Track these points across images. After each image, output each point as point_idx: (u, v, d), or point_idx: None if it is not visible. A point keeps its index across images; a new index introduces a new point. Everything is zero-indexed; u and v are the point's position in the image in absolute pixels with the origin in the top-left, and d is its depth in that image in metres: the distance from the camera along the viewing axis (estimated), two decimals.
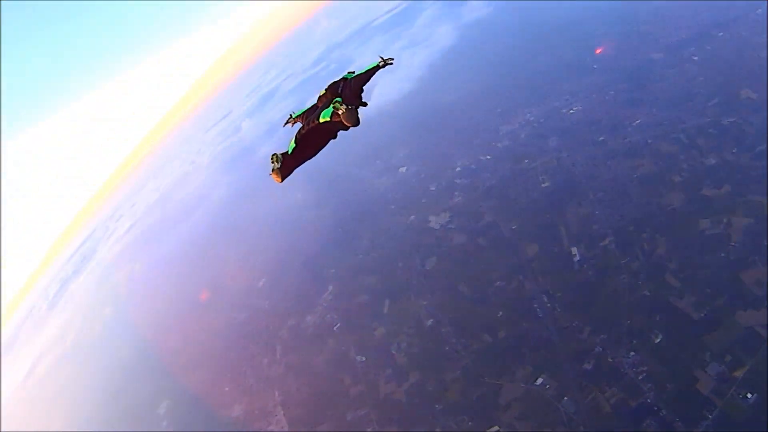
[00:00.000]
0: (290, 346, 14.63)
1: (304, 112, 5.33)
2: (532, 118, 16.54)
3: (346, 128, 5.05)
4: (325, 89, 5.46)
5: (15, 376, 37.74)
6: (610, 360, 9.94)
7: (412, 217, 15.47)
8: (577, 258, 11.65)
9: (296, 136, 5.06)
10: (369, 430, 11.01)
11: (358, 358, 12.73)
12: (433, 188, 16.04)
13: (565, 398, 9.57)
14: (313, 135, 5.04)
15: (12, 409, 32.23)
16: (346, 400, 11.91)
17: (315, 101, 5.28)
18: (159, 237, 29.18)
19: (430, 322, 12.15)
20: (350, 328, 13.57)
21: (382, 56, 5.51)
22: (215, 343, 16.59)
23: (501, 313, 11.26)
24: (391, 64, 5.63)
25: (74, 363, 25.59)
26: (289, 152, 5.08)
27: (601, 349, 10.18)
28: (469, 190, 15.10)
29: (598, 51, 18.93)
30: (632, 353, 10.14)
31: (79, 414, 20.76)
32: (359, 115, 5.12)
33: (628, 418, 9.46)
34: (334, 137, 5.25)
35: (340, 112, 4.70)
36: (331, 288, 14.78)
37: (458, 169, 16.11)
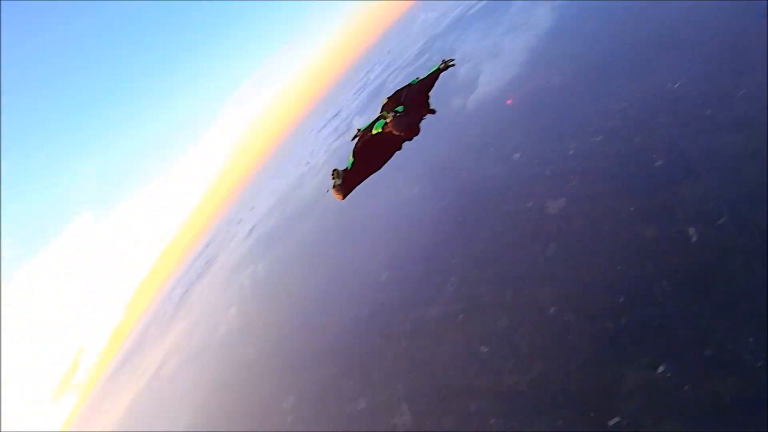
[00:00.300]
0: (414, 339, 15.42)
1: (369, 125, 5.40)
2: (638, 95, 16.28)
3: (409, 138, 5.24)
4: (388, 98, 5.67)
5: (140, 378, 41.23)
6: (731, 347, 9.76)
7: (530, 203, 15.73)
8: (695, 239, 11.43)
9: (354, 150, 5.28)
10: (492, 421, 11.30)
11: (482, 348, 13.11)
12: (548, 173, 16.22)
13: (686, 387, 9.53)
14: (370, 148, 5.22)
15: (138, 409, 35.43)
16: (469, 391, 12.54)
17: (380, 111, 5.36)
18: (280, 238, 31.09)
19: (552, 310, 12.42)
20: (473, 319, 14.10)
21: (443, 59, 5.93)
22: (339, 339, 17.87)
23: (622, 298, 11.26)
24: (453, 65, 6.01)
25: (200, 364, 27.77)
26: (349, 167, 5.39)
27: (721, 335, 10.04)
28: (584, 173, 15.14)
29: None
30: (750, 339, 9.92)
31: (205, 412, 22.94)
32: (415, 124, 5.54)
33: (748, 408, 9.30)
34: (398, 148, 5.45)
35: (388, 121, 4.85)
36: (452, 279, 15.44)
37: (571, 152, 16.17)
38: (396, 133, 4.92)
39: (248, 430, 19.61)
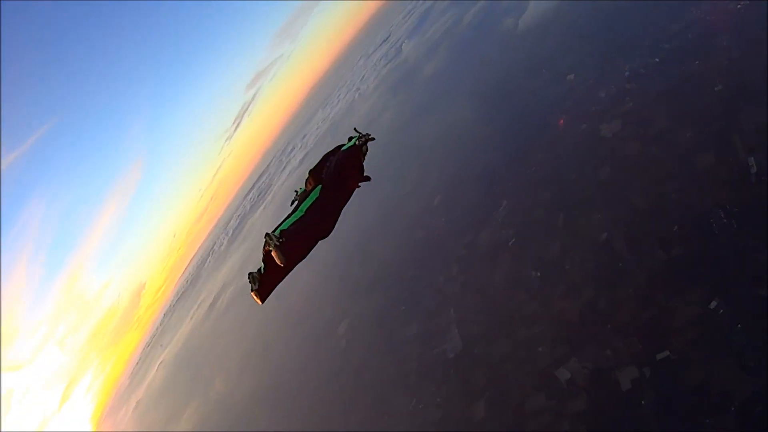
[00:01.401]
0: (466, 264, 15.78)
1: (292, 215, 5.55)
2: (700, 14, 15.47)
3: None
4: (309, 172, 5.74)
5: (199, 310, 42.51)
6: None
7: (584, 125, 15.52)
8: (755, 170, 11.05)
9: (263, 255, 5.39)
10: (540, 349, 11.56)
11: (533, 273, 13.33)
12: (603, 95, 15.94)
13: (738, 325, 9.29)
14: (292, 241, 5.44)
15: (196, 341, 36.80)
16: (519, 317, 12.93)
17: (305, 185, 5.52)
18: None
19: (604, 236, 12.53)
20: (525, 244, 14.40)
21: (358, 130, 5.66)
22: (393, 264, 18.40)
23: (676, 227, 11.13)
24: (372, 140, 5.80)
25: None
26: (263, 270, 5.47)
27: None
28: (640, 95, 14.79)
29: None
30: None
31: (263, 340, 23.83)
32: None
33: None
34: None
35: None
36: (505, 203, 15.63)
37: (627, 73, 15.82)
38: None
39: (304, 355, 20.55)
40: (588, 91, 17.27)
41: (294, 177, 42.96)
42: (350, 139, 5.72)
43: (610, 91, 16.45)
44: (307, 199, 5.13)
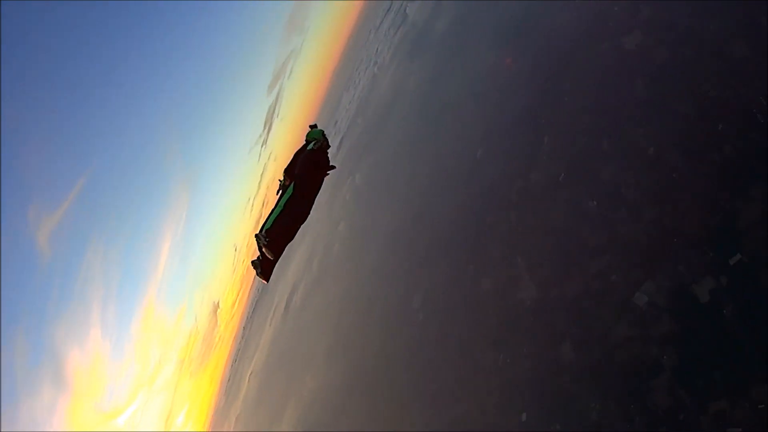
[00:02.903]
0: (522, 209, 15.69)
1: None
2: None
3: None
4: (284, 171, 6.65)
5: (275, 315, 43.44)
6: None
7: (604, 44, 14.93)
8: None
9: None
10: (613, 278, 11.41)
11: (590, 204, 13.11)
12: (617, 8, 15.20)
13: None
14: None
15: (280, 345, 37.68)
16: (587, 251, 12.65)
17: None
18: (370, 143, 31.31)
19: (651, 150, 12.06)
20: (575, 176, 14.18)
21: (317, 139, 6.66)
22: (450, 227, 18.36)
23: (721, 125, 10.65)
24: (328, 147, 6.93)
25: (325, 286, 29.16)
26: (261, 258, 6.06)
27: None
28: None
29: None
30: None
31: (342, 330, 24.36)
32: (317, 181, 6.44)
33: None
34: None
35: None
36: (546, 139, 15.29)
37: None
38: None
39: (384, 336, 20.86)
40: (600, 6, 16.79)
41: (336, 163, 43.10)
42: (312, 130, 6.58)
43: (622, 4, 15.96)
44: (284, 195, 5.95)
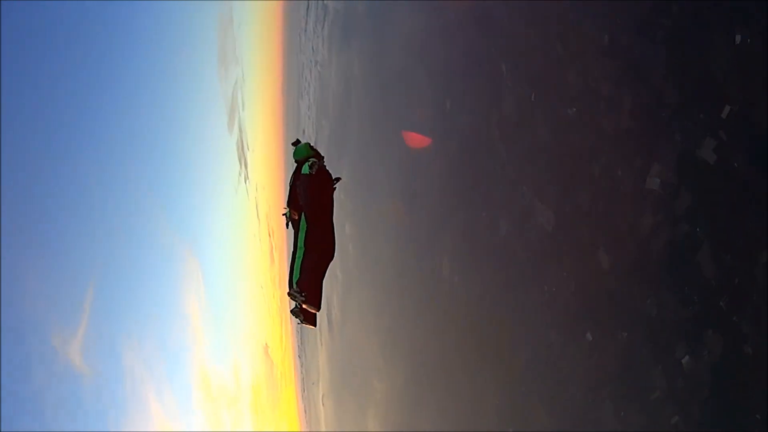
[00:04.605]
0: (508, 141, 16.08)
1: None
2: None
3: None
4: (287, 205, 6.57)
5: (323, 334, 43.56)
6: None
7: None
8: None
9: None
10: (619, 172, 11.16)
11: (569, 111, 12.82)
12: None
13: None
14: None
15: (338, 361, 38.68)
16: (583, 156, 12.43)
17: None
18: (342, 139, 31.16)
19: (605, 39, 11.60)
20: (544, 90, 13.79)
21: (300, 140, 6.80)
22: (447, 185, 19.10)
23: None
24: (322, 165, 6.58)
25: (356, 290, 30.07)
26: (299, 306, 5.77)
27: None
28: None
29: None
30: None
31: (385, 327, 24.76)
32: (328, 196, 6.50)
33: None
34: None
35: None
36: (504, 67, 15.18)
37: None
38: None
39: (427, 315, 20.85)
40: None
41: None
42: (296, 147, 6.10)
43: None
44: (300, 231, 5.57)
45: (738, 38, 6.93)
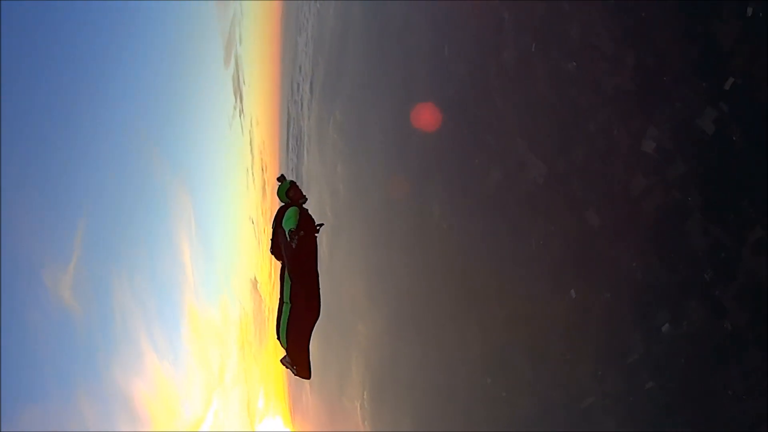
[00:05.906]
0: (506, 90, 15.76)
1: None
2: None
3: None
4: (271, 251, 6.50)
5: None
6: None
7: None
8: None
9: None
10: (615, 132, 11.06)
11: (570, 65, 12.65)
12: None
13: None
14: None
15: (324, 298, 37.78)
16: (580, 112, 12.49)
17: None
18: (339, 78, 30.67)
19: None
20: (546, 42, 13.53)
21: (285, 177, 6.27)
22: (442, 131, 18.67)
23: None
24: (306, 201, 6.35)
25: (345, 230, 29.94)
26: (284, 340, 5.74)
27: None
28: None
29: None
30: None
31: (373, 264, 24.56)
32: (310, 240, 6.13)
33: None
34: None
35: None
36: (506, 15, 14.74)
37: None
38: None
39: (421, 262, 20.87)
40: None
41: (313, 110, 42.50)
42: (280, 185, 6.04)
43: None
44: (285, 285, 5.64)
45: (750, 10, 6.70)
